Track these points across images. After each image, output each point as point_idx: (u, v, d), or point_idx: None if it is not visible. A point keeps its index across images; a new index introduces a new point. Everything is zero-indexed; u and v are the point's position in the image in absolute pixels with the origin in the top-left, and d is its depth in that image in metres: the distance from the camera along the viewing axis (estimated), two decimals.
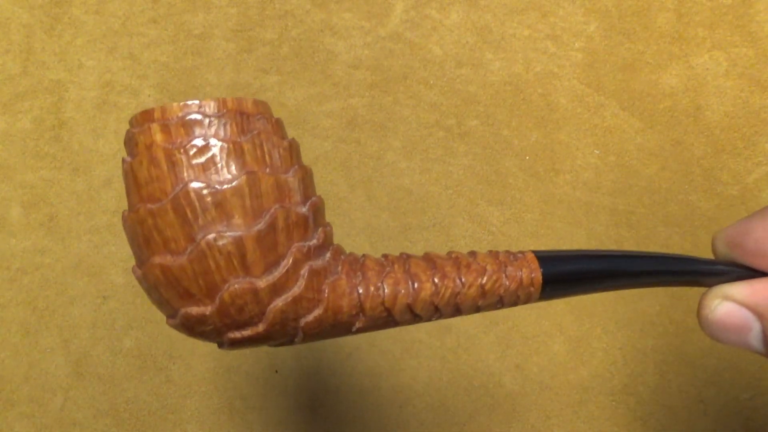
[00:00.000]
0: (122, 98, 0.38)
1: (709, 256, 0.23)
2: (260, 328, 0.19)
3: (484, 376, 0.36)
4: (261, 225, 0.18)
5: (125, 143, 0.19)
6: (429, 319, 0.21)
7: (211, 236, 0.18)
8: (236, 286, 0.18)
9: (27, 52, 0.38)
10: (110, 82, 0.38)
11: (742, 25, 0.37)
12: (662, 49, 0.37)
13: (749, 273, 0.22)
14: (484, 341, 0.36)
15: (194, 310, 0.18)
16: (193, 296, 0.18)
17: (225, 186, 0.18)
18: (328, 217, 0.34)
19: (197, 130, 0.18)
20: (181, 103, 0.18)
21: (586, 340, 0.36)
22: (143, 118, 0.18)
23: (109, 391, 0.35)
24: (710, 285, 0.22)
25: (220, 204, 0.18)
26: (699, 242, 0.36)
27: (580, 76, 0.38)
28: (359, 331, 0.20)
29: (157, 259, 0.18)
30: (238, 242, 0.18)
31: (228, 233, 0.18)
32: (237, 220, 0.18)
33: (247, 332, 0.19)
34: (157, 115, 0.18)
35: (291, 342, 0.20)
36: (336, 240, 0.36)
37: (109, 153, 0.38)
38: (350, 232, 0.37)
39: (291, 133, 0.38)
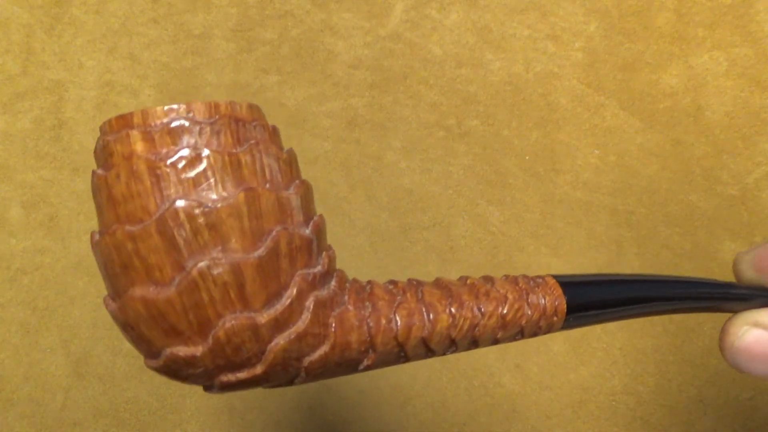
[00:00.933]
0: (122, 98, 0.38)
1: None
2: (258, 369, 0.16)
3: (484, 376, 0.36)
4: (261, 250, 0.16)
5: (95, 153, 0.16)
6: (443, 354, 0.19)
7: (203, 264, 0.15)
8: (233, 322, 0.15)
9: (27, 52, 0.38)
10: (110, 82, 0.38)
11: (742, 25, 0.37)
12: (662, 49, 0.37)
13: None
14: None
15: (182, 350, 0.16)
16: (181, 334, 0.15)
17: (219, 204, 0.15)
18: (328, 217, 0.34)
19: (186, 139, 0.15)
20: (166, 107, 0.15)
21: (586, 340, 0.36)
22: (120, 123, 0.16)
23: (109, 391, 0.35)
24: (733, 310, 0.21)
25: (214, 225, 0.15)
26: (699, 242, 0.36)
27: (580, 76, 0.38)
28: (366, 368, 0.18)
29: (138, 291, 0.15)
30: (236, 270, 0.15)
31: (224, 260, 0.15)
32: (234, 244, 0.15)
33: (242, 374, 0.16)
34: (137, 120, 0.15)
35: (290, 383, 0.17)
36: (336, 240, 0.36)
37: None
38: (350, 232, 0.37)
39: (291, 133, 0.38)
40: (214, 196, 0.15)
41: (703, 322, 0.36)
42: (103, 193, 0.16)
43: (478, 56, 0.38)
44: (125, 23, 0.38)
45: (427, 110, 0.38)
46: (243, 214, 0.15)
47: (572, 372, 0.36)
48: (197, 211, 0.15)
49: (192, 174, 0.15)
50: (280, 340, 0.16)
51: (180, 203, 0.15)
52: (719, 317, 0.21)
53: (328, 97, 0.38)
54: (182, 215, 0.15)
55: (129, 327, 0.16)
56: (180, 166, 0.15)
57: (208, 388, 0.17)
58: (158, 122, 0.15)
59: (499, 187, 0.37)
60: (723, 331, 0.20)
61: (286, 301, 0.16)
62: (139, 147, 0.15)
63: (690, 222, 0.36)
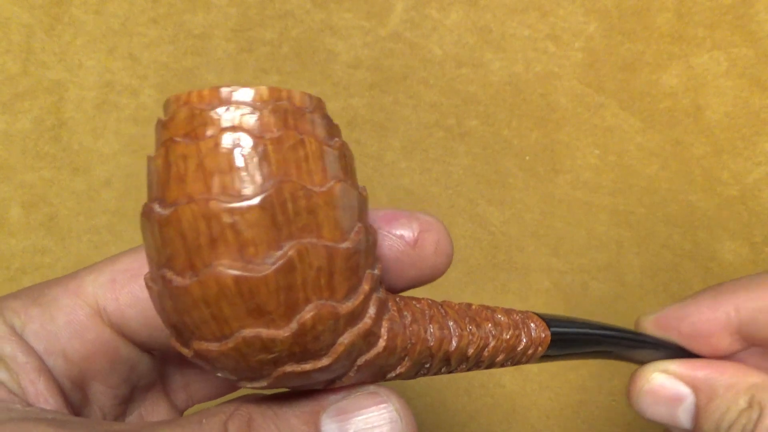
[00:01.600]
0: (122, 98, 0.38)
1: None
2: (324, 362, 0.16)
3: (484, 376, 0.36)
4: (348, 242, 0.16)
5: (172, 121, 0.15)
6: (451, 371, 0.19)
7: (303, 244, 0.15)
8: (320, 309, 0.15)
9: (27, 52, 0.38)
10: (110, 82, 0.38)
11: (742, 25, 0.37)
12: (662, 49, 0.37)
13: (683, 353, 0.24)
14: None
15: (264, 332, 0.15)
16: (265, 315, 0.15)
17: (317, 190, 0.15)
18: None
19: (290, 123, 0.15)
20: (302, 92, 0.16)
21: None
22: (214, 96, 0.15)
23: None
24: (641, 360, 0.24)
25: (313, 210, 0.15)
26: (699, 242, 0.36)
27: (580, 76, 0.38)
28: (396, 377, 0.18)
29: (228, 266, 0.15)
30: (330, 257, 0.15)
31: (319, 245, 0.15)
32: (326, 232, 0.15)
33: (307, 366, 0.16)
34: (266, 96, 0.15)
35: (332, 382, 0.17)
36: None
37: (109, 153, 0.38)
38: None
39: None
40: (312, 182, 0.15)
41: None
42: (191, 162, 0.15)
43: (478, 56, 0.38)
44: (125, 23, 0.38)
45: (427, 110, 0.38)
46: (336, 204, 0.15)
47: (572, 372, 0.36)
48: (300, 192, 0.15)
49: (295, 157, 0.15)
50: (349, 335, 0.16)
51: (285, 182, 0.15)
52: None
53: (328, 97, 0.38)
54: (287, 194, 0.15)
55: (204, 304, 0.15)
56: (284, 147, 0.15)
57: (251, 380, 0.16)
58: (264, 102, 0.15)
59: (499, 187, 0.37)
60: (632, 379, 0.23)
61: (360, 296, 0.16)
62: (245, 123, 0.15)
63: (690, 222, 0.36)
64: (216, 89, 0.15)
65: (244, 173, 0.15)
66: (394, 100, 0.38)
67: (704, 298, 0.23)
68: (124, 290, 0.19)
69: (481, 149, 0.37)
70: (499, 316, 0.20)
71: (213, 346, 0.15)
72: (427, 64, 0.38)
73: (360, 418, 0.17)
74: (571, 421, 0.36)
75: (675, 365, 0.22)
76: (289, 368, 0.16)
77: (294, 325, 0.15)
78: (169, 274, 0.15)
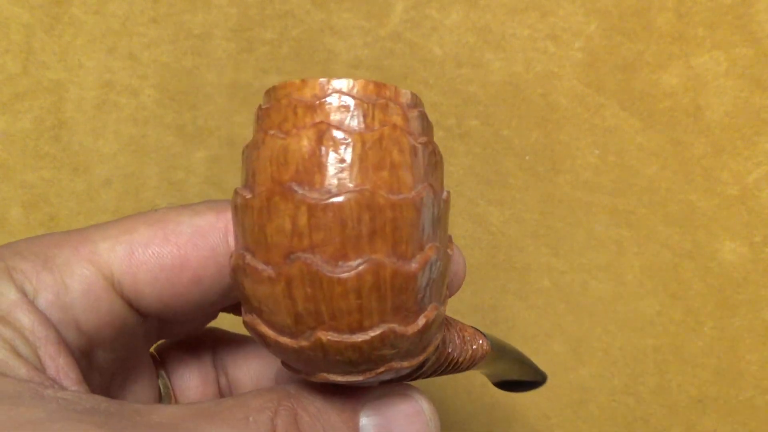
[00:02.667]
0: (122, 98, 0.38)
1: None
2: (420, 358, 0.17)
3: (484, 376, 0.36)
4: (450, 249, 0.17)
5: (343, 108, 0.15)
6: (434, 374, 0.20)
7: (436, 247, 0.16)
8: (436, 310, 0.16)
9: (27, 52, 0.38)
10: (110, 82, 0.38)
11: (742, 25, 0.37)
12: (662, 49, 0.37)
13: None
14: None
15: (398, 328, 0.15)
16: (403, 311, 0.15)
17: (442, 195, 0.16)
18: None
19: (423, 126, 0.16)
20: (407, 92, 0.16)
21: (586, 340, 0.36)
22: (377, 90, 0.16)
23: None
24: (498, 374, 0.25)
25: (442, 216, 0.16)
26: (699, 242, 0.36)
27: (580, 76, 0.38)
28: (419, 376, 0.19)
29: (385, 260, 0.15)
30: (447, 263, 0.16)
31: (442, 248, 0.16)
32: (442, 236, 0.16)
33: (405, 363, 0.16)
34: (389, 93, 0.16)
35: (399, 379, 0.18)
36: None
37: (109, 153, 0.38)
38: None
39: None
40: (438, 187, 0.16)
41: (703, 321, 0.36)
42: (351, 151, 0.15)
43: (478, 56, 0.38)
44: (125, 23, 0.38)
45: (427, 110, 0.38)
46: (448, 211, 0.17)
47: (572, 372, 0.36)
48: (434, 197, 0.16)
49: (431, 161, 0.16)
50: (439, 335, 0.17)
51: (427, 186, 0.16)
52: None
53: None
54: (428, 198, 0.15)
55: (354, 294, 0.15)
56: (425, 152, 0.16)
57: (348, 374, 0.16)
58: (407, 101, 0.16)
59: (499, 187, 0.37)
60: None
61: (446, 300, 0.17)
62: (398, 120, 0.16)
63: (690, 222, 0.36)
64: (379, 84, 0.16)
65: (405, 171, 0.15)
66: None
67: None
68: (143, 266, 0.19)
69: (481, 149, 0.37)
70: (465, 325, 0.21)
71: (345, 338, 0.15)
72: (427, 64, 0.38)
73: (397, 423, 0.18)
74: (571, 421, 0.36)
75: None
76: (396, 364, 0.16)
77: (420, 323, 0.16)
78: (313, 260, 0.15)
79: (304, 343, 0.16)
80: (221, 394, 0.24)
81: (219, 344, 0.24)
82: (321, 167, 0.15)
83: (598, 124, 0.37)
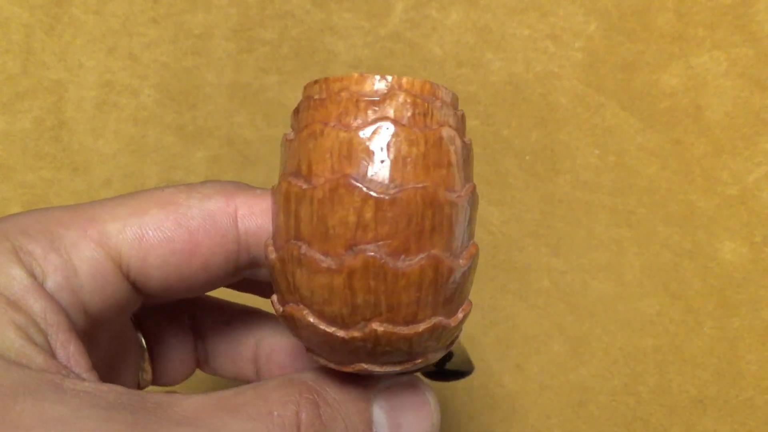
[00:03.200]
0: (122, 98, 0.38)
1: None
2: (447, 350, 0.17)
3: (484, 376, 0.36)
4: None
5: (406, 104, 0.16)
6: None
7: (476, 246, 0.17)
8: (470, 303, 0.17)
9: (27, 52, 0.38)
10: (110, 82, 0.38)
11: (742, 25, 0.37)
12: (662, 49, 0.37)
13: None
14: (484, 341, 0.36)
15: (444, 321, 0.16)
16: (451, 305, 0.16)
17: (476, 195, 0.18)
18: None
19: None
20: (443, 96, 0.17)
21: (586, 340, 0.36)
22: (432, 91, 0.16)
23: None
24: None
25: (475, 214, 0.17)
26: (699, 242, 0.36)
27: (580, 76, 0.38)
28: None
29: (443, 255, 0.16)
30: (477, 259, 0.17)
31: (476, 245, 0.17)
32: (474, 234, 0.17)
33: (438, 355, 0.17)
34: (441, 94, 0.16)
35: (417, 369, 0.18)
36: None
37: (109, 153, 0.38)
38: None
39: None
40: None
41: (703, 321, 0.36)
42: (419, 148, 0.15)
43: (478, 56, 0.38)
44: (125, 23, 0.38)
45: None
46: (477, 207, 0.17)
47: (572, 372, 0.36)
48: (472, 195, 0.17)
49: (470, 160, 0.17)
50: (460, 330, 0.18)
51: (471, 185, 0.16)
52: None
53: None
54: (472, 196, 0.16)
55: (415, 287, 0.15)
56: (468, 151, 0.17)
57: (387, 364, 0.17)
58: (452, 101, 0.17)
59: (499, 187, 0.37)
60: None
61: None
62: (452, 121, 0.16)
63: (690, 222, 0.36)
64: (436, 84, 0.16)
65: (458, 170, 0.16)
66: None
67: None
68: (153, 251, 0.18)
69: (481, 149, 0.37)
70: None
71: (399, 330, 0.16)
72: (427, 64, 0.38)
73: (405, 414, 0.18)
74: (571, 421, 0.36)
75: None
76: (431, 356, 0.17)
77: (459, 316, 0.16)
78: (377, 253, 0.15)
79: (356, 333, 0.16)
80: (198, 359, 0.24)
81: (197, 308, 0.24)
82: (385, 162, 0.15)
83: (598, 124, 0.37)
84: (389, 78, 0.16)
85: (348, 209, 0.15)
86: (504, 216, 0.37)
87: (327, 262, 0.15)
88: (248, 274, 0.20)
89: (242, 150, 0.38)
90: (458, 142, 0.16)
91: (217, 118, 0.38)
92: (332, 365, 0.17)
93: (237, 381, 0.24)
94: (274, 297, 0.18)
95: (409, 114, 0.16)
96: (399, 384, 0.19)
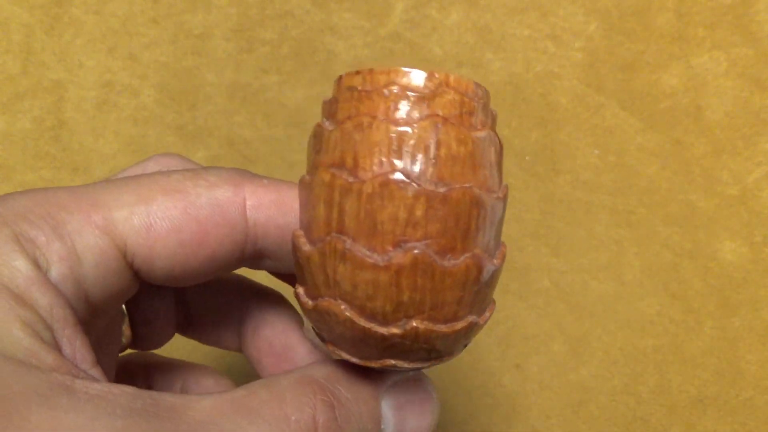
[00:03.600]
0: (122, 98, 0.38)
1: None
2: (463, 349, 0.18)
3: (484, 376, 0.36)
4: None
5: (454, 103, 0.16)
6: None
7: (505, 249, 0.17)
8: (494, 302, 0.18)
9: (27, 52, 0.38)
10: (110, 82, 0.38)
11: (742, 25, 0.37)
12: (662, 49, 0.37)
13: None
14: (484, 341, 0.36)
15: (475, 319, 0.17)
16: (482, 303, 0.17)
17: None
18: None
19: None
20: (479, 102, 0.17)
21: (586, 340, 0.36)
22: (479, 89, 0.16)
23: None
24: None
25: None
26: (699, 242, 0.36)
27: (580, 76, 0.38)
28: None
29: (483, 254, 0.16)
30: None
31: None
32: None
33: (458, 353, 0.17)
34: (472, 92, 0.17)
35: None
36: None
37: (109, 153, 0.38)
38: None
39: (291, 132, 0.38)
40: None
41: (703, 321, 0.36)
42: (467, 147, 0.16)
43: (478, 56, 0.38)
44: (125, 23, 0.38)
45: None
46: None
47: (572, 372, 0.36)
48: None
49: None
50: None
51: (505, 186, 0.17)
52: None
53: (328, 97, 0.38)
54: (506, 197, 0.17)
55: (460, 286, 0.16)
56: (499, 159, 0.17)
57: (423, 360, 0.17)
58: (488, 101, 0.17)
59: None
60: None
61: None
62: (490, 122, 0.17)
63: (690, 222, 0.36)
64: (468, 80, 0.16)
65: (496, 170, 0.16)
66: None
67: None
68: (161, 241, 0.17)
69: None
70: None
71: (438, 327, 0.16)
72: (427, 64, 0.38)
73: (411, 409, 0.18)
74: (571, 421, 0.36)
75: None
76: (456, 353, 0.17)
77: (486, 315, 0.17)
78: (426, 251, 0.15)
79: (395, 330, 0.16)
80: (178, 324, 0.23)
81: None
82: (437, 159, 0.15)
83: (598, 124, 0.37)
84: (437, 75, 0.16)
85: (398, 205, 0.15)
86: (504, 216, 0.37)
87: (374, 258, 0.15)
88: (250, 264, 0.20)
89: (242, 150, 0.38)
90: (497, 141, 0.16)
91: (217, 118, 0.38)
92: (355, 360, 0.17)
93: (217, 348, 0.24)
94: (300, 290, 0.17)
95: (456, 112, 0.16)
96: (406, 379, 0.19)
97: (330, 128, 0.17)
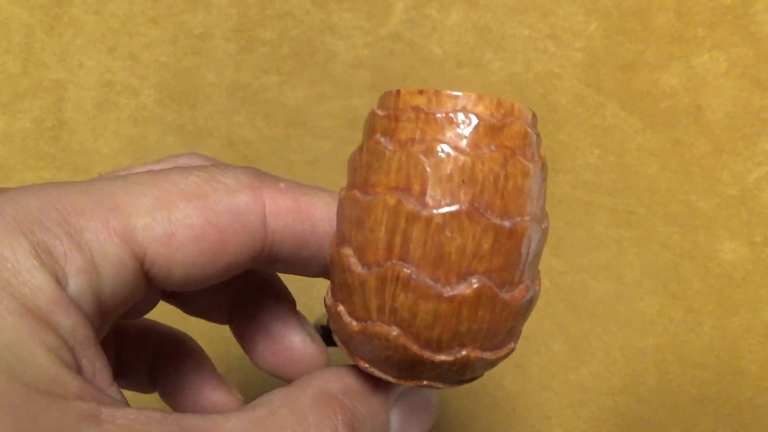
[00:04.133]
0: (122, 98, 0.38)
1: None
2: None
3: (484, 377, 0.36)
4: None
5: (521, 134, 0.16)
6: None
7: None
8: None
9: (27, 52, 0.38)
10: (110, 82, 0.38)
11: (742, 25, 0.37)
12: (662, 49, 0.37)
13: None
14: None
15: (514, 345, 0.17)
16: (520, 330, 0.17)
17: None
18: None
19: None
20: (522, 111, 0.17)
21: (586, 340, 0.36)
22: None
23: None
24: None
25: None
26: (699, 242, 0.36)
27: (580, 76, 0.38)
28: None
29: (532, 286, 0.16)
30: None
31: None
32: None
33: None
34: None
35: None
36: None
37: (109, 153, 0.38)
38: None
39: (291, 133, 0.38)
40: None
41: (703, 321, 0.36)
42: (534, 180, 0.16)
43: (478, 56, 0.38)
44: (125, 23, 0.38)
45: None
46: None
47: (572, 372, 0.36)
48: None
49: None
50: None
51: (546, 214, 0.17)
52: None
53: (328, 97, 0.38)
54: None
55: (514, 316, 0.16)
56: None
57: (462, 382, 0.17)
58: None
59: None
60: None
61: None
62: (544, 151, 0.17)
63: (690, 222, 0.36)
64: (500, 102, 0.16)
65: (543, 202, 0.16)
66: None
67: None
68: (182, 250, 0.17)
69: None
70: None
71: (486, 355, 0.16)
72: (427, 64, 0.38)
73: (412, 411, 0.19)
74: (571, 421, 0.36)
75: None
76: (486, 374, 0.17)
77: (519, 339, 0.17)
78: (489, 284, 0.15)
79: (446, 357, 0.16)
80: (163, 291, 0.22)
81: None
82: (503, 192, 0.15)
83: (598, 124, 0.37)
84: (504, 102, 0.16)
85: (467, 237, 0.15)
86: None
87: (437, 288, 0.15)
88: (259, 266, 0.19)
89: (242, 150, 0.38)
90: (545, 171, 0.16)
91: (217, 118, 0.38)
92: (389, 378, 0.17)
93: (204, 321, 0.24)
94: (341, 308, 0.17)
95: (520, 144, 0.16)
96: (411, 389, 0.19)
97: (391, 148, 0.16)
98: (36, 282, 0.14)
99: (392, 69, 0.38)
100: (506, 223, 0.15)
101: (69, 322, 0.15)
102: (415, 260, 0.15)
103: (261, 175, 0.18)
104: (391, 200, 0.15)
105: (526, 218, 0.15)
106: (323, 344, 0.22)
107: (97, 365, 0.15)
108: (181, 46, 0.38)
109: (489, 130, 0.15)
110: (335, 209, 0.18)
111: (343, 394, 0.17)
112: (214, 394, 0.23)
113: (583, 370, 0.36)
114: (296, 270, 0.20)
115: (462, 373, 0.17)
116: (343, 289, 0.17)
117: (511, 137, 0.16)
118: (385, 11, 0.38)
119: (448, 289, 0.15)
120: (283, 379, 0.22)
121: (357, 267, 0.16)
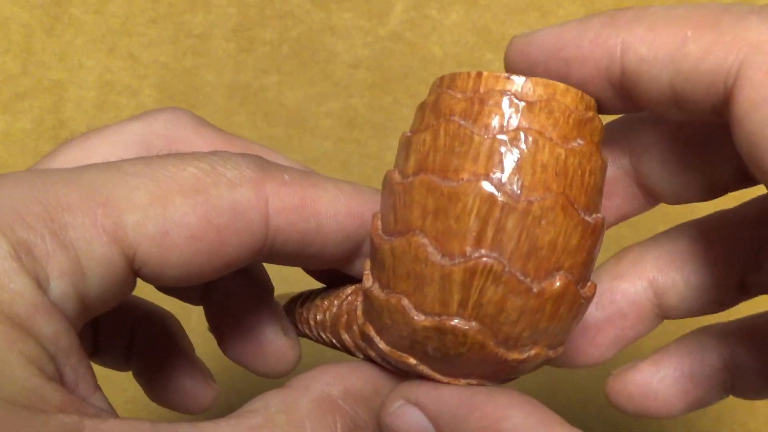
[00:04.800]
0: (122, 98, 0.38)
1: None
2: None
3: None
4: None
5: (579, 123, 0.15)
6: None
7: None
8: None
9: (27, 52, 0.38)
10: (110, 82, 0.38)
11: None
12: None
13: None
14: None
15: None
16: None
17: None
18: None
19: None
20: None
21: None
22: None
23: (109, 391, 0.35)
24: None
25: None
26: None
27: None
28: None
29: (594, 283, 0.16)
30: None
31: None
32: None
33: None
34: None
35: None
36: None
37: None
38: None
39: (291, 133, 0.38)
40: None
41: (703, 321, 0.36)
42: (601, 170, 0.15)
43: (478, 56, 0.38)
44: (125, 23, 0.38)
45: None
46: None
47: (572, 372, 0.36)
48: None
49: None
50: None
51: None
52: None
53: (328, 97, 0.38)
54: None
55: (578, 314, 0.16)
56: None
57: (501, 381, 0.17)
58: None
59: None
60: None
61: None
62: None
63: None
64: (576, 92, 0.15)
65: (602, 196, 0.16)
66: (394, 100, 0.38)
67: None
68: (176, 250, 0.16)
69: None
70: None
71: (548, 353, 0.16)
72: (427, 64, 0.38)
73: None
74: (571, 421, 0.36)
75: (424, 392, 0.17)
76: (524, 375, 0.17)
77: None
78: (572, 280, 0.15)
79: (517, 356, 0.15)
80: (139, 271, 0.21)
81: None
82: (588, 187, 0.15)
83: None
84: (585, 96, 0.15)
85: (560, 232, 0.14)
86: None
87: (526, 283, 0.14)
88: (257, 262, 0.19)
89: None
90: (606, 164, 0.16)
91: (217, 118, 0.38)
92: (439, 377, 0.16)
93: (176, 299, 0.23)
94: (405, 301, 0.15)
95: (598, 139, 0.16)
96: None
97: (480, 132, 0.15)
98: (15, 286, 0.13)
99: (392, 69, 0.38)
100: (589, 219, 0.15)
101: (51, 329, 0.14)
102: (507, 253, 0.14)
103: (265, 166, 0.17)
104: (486, 188, 0.14)
105: (600, 214, 0.15)
106: (296, 338, 0.21)
107: (80, 373, 0.14)
108: (181, 46, 0.38)
109: (577, 123, 0.15)
110: (342, 202, 0.17)
111: (344, 399, 0.16)
112: (187, 380, 0.22)
113: (583, 370, 0.36)
114: (296, 265, 0.19)
115: (518, 372, 0.16)
116: (409, 280, 0.15)
117: (593, 132, 0.15)
118: (385, 11, 0.38)
119: (536, 284, 0.14)
120: (248, 370, 0.22)
121: (436, 257, 0.15)
